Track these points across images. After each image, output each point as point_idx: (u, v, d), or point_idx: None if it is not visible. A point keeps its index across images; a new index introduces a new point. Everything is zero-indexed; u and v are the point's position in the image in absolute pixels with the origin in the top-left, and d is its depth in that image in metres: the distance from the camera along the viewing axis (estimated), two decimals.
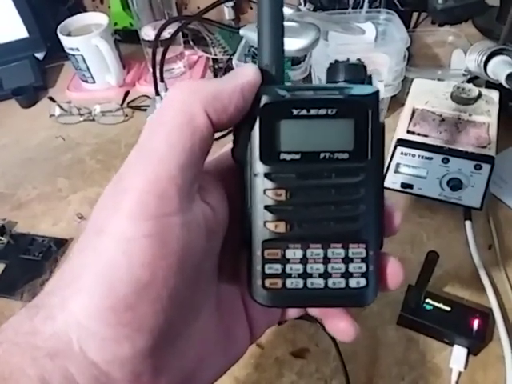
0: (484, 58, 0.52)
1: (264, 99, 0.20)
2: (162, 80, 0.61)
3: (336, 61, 0.22)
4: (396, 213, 0.21)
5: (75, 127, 0.70)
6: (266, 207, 0.20)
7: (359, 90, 0.20)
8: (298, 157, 0.20)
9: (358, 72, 0.22)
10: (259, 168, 0.20)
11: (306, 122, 0.20)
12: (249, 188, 0.20)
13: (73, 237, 0.54)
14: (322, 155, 0.20)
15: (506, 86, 0.48)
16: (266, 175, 0.20)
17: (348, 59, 0.22)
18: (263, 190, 0.20)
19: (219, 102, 0.19)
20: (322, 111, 0.20)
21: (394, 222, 0.21)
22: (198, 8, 0.85)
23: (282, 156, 0.20)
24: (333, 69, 0.22)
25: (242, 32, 0.50)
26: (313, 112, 0.20)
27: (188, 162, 0.18)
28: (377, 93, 0.20)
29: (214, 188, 0.20)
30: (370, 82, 0.22)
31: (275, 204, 0.20)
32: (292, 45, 0.44)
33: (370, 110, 0.20)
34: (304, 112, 0.20)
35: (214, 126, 0.19)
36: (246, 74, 0.20)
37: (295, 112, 0.20)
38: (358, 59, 0.22)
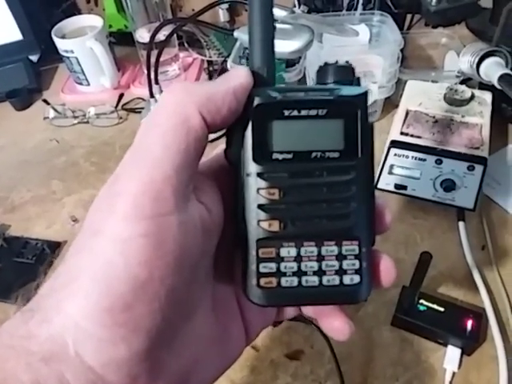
0: (477, 60, 0.52)
1: (256, 100, 0.20)
2: (157, 82, 0.61)
3: (325, 63, 0.23)
4: (386, 210, 0.22)
5: (69, 130, 0.70)
6: (260, 206, 0.20)
7: (348, 90, 0.21)
8: (290, 156, 0.20)
9: (347, 73, 0.22)
10: (252, 168, 0.20)
11: (298, 122, 0.20)
12: (242, 188, 0.21)
13: (67, 240, 0.54)
14: (313, 154, 0.20)
15: (499, 87, 0.49)
16: (259, 175, 0.20)
17: (337, 61, 0.22)
18: (256, 190, 0.20)
19: (213, 104, 0.19)
20: (313, 112, 0.20)
21: (385, 219, 0.22)
22: (193, 10, 0.85)
23: (275, 156, 0.20)
24: (322, 71, 0.22)
25: (236, 34, 0.50)
26: (304, 112, 0.20)
27: (183, 162, 0.18)
28: (365, 93, 0.21)
29: (208, 188, 0.21)
30: (358, 84, 0.22)
31: (268, 203, 0.20)
32: (286, 47, 0.44)
33: (359, 109, 0.20)
34: (295, 113, 0.20)
35: (209, 127, 0.19)
36: (238, 76, 0.20)
37: (287, 113, 0.20)
38: (347, 61, 0.22)
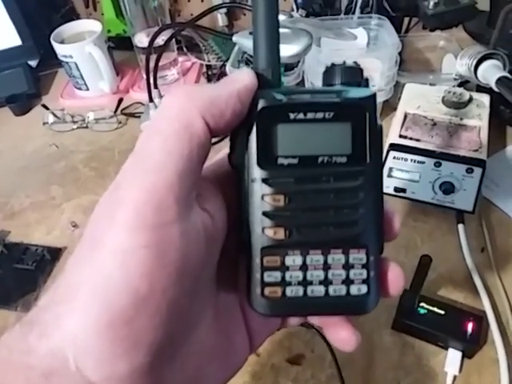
0: (474, 63, 0.52)
1: (261, 103, 0.19)
2: (156, 87, 0.61)
3: (332, 64, 0.22)
4: (395, 217, 0.21)
5: (69, 135, 0.70)
6: (264, 213, 0.20)
7: (356, 92, 0.20)
8: (295, 161, 0.20)
9: (355, 75, 0.21)
10: (257, 173, 0.20)
11: (304, 125, 0.20)
12: (246, 194, 0.20)
13: (67, 245, 0.54)
14: (320, 159, 0.20)
15: (496, 89, 0.49)
16: (264, 180, 0.20)
17: (344, 62, 0.22)
18: (261, 196, 0.20)
19: (216, 107, 0.18)
20: (320, 115, 0.19)
21: (394, 227, 0.21)
22: (192, 15, 0.85)
23: (280, 161, 0.20)
24: (329, 72, 0.22)
25: (235, 38, 0.50)
26: (310, 116, 0.19)
27: (186, 168, 0.17)
28: (374, 95, 0.20)
29: (212, 195, 0.20)
30: (366, 85, 0.21)
31: (273, 210, 0.20)
32: (285, 51, 0.44)
33: (367, 112, 0.20)
34: (301, 116, 0.19)
35: (212, 132, 0.18)
36: (242, 78, 0.19)
37: (292, 116, 0.19)
38: (355, 62, 0.22)
